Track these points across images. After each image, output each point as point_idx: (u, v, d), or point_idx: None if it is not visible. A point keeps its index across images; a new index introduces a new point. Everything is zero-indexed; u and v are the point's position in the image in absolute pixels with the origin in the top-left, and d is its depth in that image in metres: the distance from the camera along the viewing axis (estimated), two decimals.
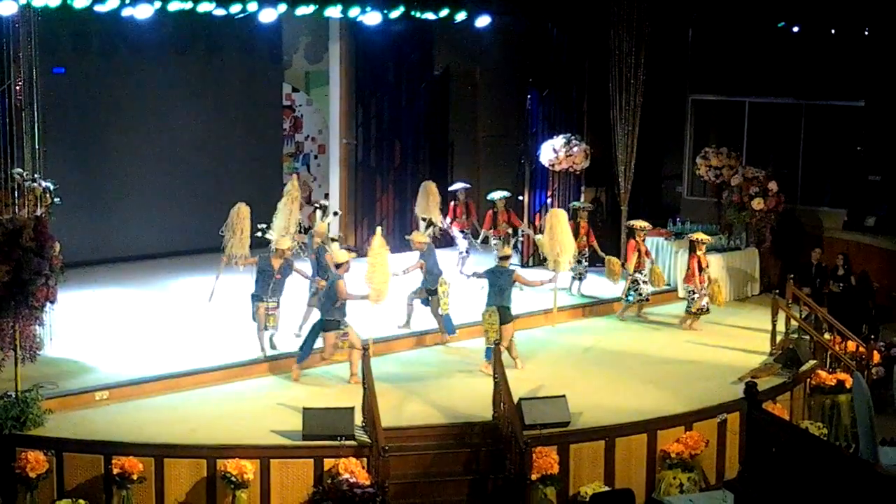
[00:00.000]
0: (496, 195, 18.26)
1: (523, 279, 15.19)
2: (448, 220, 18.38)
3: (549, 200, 19.46)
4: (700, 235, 16.78)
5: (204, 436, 12.33)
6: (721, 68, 20.05)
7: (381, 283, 14.23)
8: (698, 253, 16.58)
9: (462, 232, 18.39)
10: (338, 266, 14.01)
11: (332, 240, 15.72)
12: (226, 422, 12.76)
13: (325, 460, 12.11)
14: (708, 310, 16.61)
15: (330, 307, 13.87)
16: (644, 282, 16.89)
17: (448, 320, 15.39)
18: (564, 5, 18.76)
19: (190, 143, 19.15)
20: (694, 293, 16.54)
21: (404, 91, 20.10)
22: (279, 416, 12.90)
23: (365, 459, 12.12)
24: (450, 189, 18.91)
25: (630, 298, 16.87)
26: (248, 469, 11.90)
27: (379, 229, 14.94)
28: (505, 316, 14.50)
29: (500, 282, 14.61)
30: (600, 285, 17.55)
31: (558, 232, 16.31)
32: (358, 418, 12.52)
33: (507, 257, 14.96)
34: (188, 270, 17.95)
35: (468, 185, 18.81)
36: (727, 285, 18.11)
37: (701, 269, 16.55)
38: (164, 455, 11.99)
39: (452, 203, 18.51)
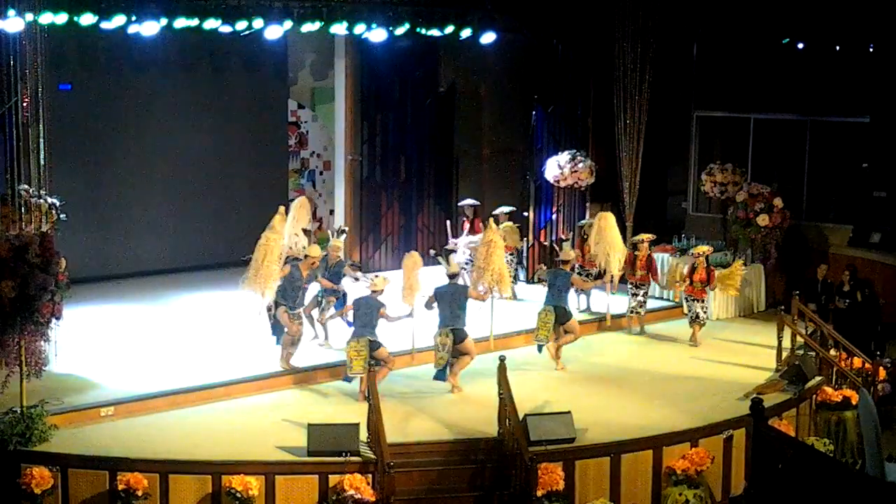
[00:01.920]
0: (499, 210, 18.34)
1: (580, 282, 16.01)
2: (464, 234, 18.37)
3: (553, 216, 19.50)
4: (700, 248, 16.82)
5: (209, 452, 12.32)
6: (726, 85, 20.07)
7: (498, 272, 14.94)
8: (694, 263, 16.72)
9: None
10: (454, 276, 14.58)
11: (451, 251, 16.55)
12: (231, 438, 12.75)
13: (331, 476, 12.09)
14: (698, 318, 16.61)
15: (461, 315, 14.31)
16: (644, 294, 16.95)
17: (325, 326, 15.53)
18: (569, 22, 18.80)
19: (196, 159, 19.19)
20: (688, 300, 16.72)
21: (409, 107, 20.14)
22: (284, 432, 12.89)
23: (370, 475, 12.10)
24: (458, 204, 18.93)
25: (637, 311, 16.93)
26: (254, 485, 11.88)
27: (491, 220, 15.92)
28: (561, 316, 15.16)
29: (557, 283, 15.27)
30: (606, 301, 17.52)
31: (608, 234, 16.51)
32: (363, 434, 12.51)
33: (567, 261, 15.57)
34: (193, 286, 17.98)
35: (477, 202, 18.78)
36: (733, 301, 18.13)
37: (692, 281, 16.58)
38: (168, 471, 11.97)
39: (462, 219, 18.52)
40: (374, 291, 14.21)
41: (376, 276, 14.84)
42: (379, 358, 13.88)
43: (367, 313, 13.97)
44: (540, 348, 15.37)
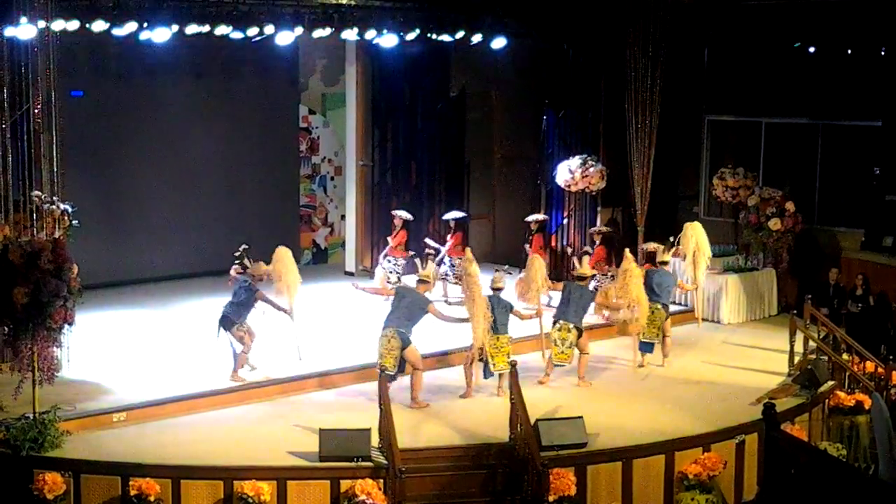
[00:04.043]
0: (450, 216, 18.56)
1: (683, 285, 16.68)
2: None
3: (565, 221, 19.49)
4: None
5: (221, 457, 12.34)
6: (737, 89, 20.03)
7: (636, 298, 15.27)
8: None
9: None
10: (582, 279, 15.15)
11: (585, 252, 17.24)
12: (243, 443, 12.76)
13: (342, 482, 12.09)
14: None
15: (582, 315, 14.84)
16: None
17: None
18: (580, 26, 18.79)
19: (207, 165, 19.24)
20: None
21: (420, 113, 20.16)
22: (296, 437, 12.89)
23: (382, 481, 12.10)
24: (392, 212, 18.89)
25: None
26: (265, 490, 11.89)
27: (627, 250, 15.96)
28: (668, 313, 15.89)
29: (663, 281, 15.85)
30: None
31: (702, 243, 16.87)
32: (375, 439, 12.52)
33: (667, 262, 16.30)
34: (205, 292, 17.98)
35: (410, 217, 18.62)
36: (745, 305, 18.11)
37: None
38: (181, 476, 11.99)
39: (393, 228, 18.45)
40: (496, 289, 14.48)
41: (497, 272, 15.19)
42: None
43: (503, 312, 14.32)
44: (650, 347, 15.68)
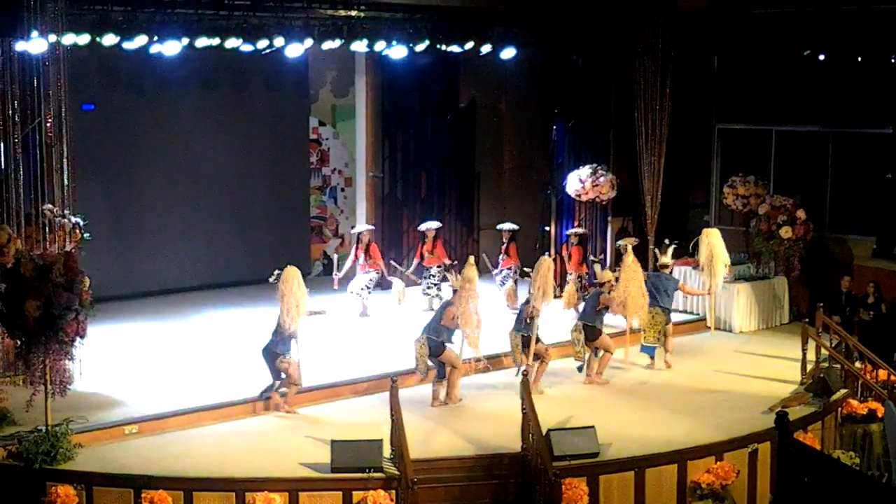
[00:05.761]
0: (427, 226, 18.52)
1: (687, 288, 17.06)
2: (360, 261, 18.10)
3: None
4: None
5: (233, 469, 12.34)
6: (747, 97, 20.03)
7: (636, 298, 15.46)
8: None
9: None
10: (601, 284, 15.44)
11: (594, 261, 17.22)
12: (254, 455, 12.76)
13: (354, 493, 12.09)
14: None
15: (596, 316, 15.22)
16: None
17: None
18: (589, 36, 18.80)
19: (217, 177, 19.29)
20: None
21: (430, 123, 20.20)
22: (307, 448, 12.90)
23: (394, 492, 12.08)
24: (351, 231, 18.88)
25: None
26: (277, 502, 11.88)
27: (630, 248, 16.20)
28: (668, 317, 16.10)
29: (661, 285, 16.15)
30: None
31: (719, 250, 17.10)
32: (386, 450, 12.52)
33: (665, 266, 16.43)
34: (217, 304, 18.04)
35: (372, 227, 18.74)
36: (757, 314, 18.07)
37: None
38: (193, 489, 11.99)
39: (357, 246, 18.18)
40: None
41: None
42: (538, 354, 14.67)
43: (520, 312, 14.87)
44: (652, 350, 15.85)
